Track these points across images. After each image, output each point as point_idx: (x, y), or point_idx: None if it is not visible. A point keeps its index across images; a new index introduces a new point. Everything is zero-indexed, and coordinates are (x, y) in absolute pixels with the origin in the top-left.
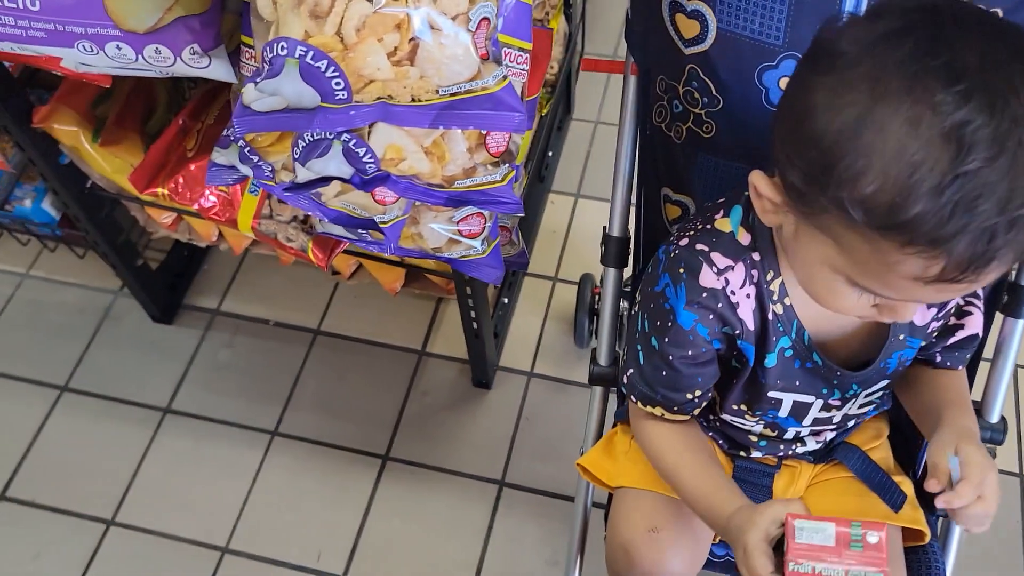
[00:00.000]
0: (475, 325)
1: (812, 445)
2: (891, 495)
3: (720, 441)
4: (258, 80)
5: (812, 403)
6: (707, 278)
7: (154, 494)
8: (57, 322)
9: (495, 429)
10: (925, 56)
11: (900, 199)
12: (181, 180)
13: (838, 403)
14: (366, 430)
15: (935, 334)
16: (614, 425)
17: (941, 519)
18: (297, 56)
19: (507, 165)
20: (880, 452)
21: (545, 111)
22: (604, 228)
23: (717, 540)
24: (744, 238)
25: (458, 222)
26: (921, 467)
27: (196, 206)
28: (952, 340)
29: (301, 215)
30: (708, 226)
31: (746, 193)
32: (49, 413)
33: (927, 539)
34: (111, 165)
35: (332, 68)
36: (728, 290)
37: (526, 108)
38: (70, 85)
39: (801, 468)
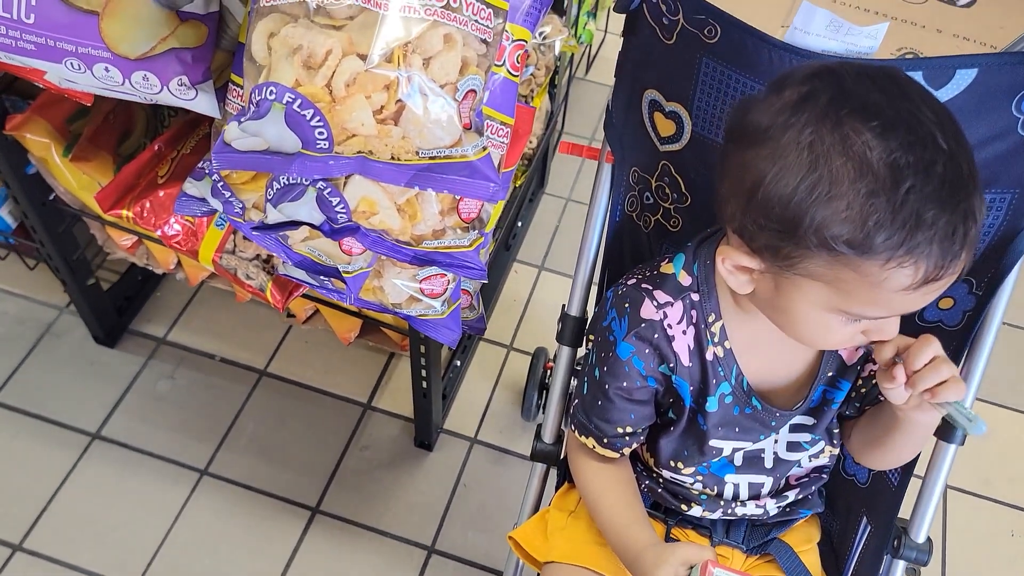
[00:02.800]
0: (425, 385)
1: (752, 509)
2: None
3: (660, 490)
4: (242, 119)
5: (744, 447)
6: (647, 310)
7: (69, 522)
8: None
9: (431, 492)
10: (840, 107)
11: (868, 229)
12: (148, 204)
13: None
14: (299, 480)
15: (873, 380)
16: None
17: None
18: (285, 102)
19: (476, 232)
20: (810, 556)
21: (519, 182)
22: (563, 306)
23: None
24: (685, 279)
25: (421, 280)
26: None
27: (159, 232)
28: None
29: (264, 254)
30: (654, 272)
31: (688, 243)
32: None
33: None
34: (78, 181)
35: (317, 118)
36: (666, 323)
37: (501, 179)
38: (48, 97)
39: (733, 558)
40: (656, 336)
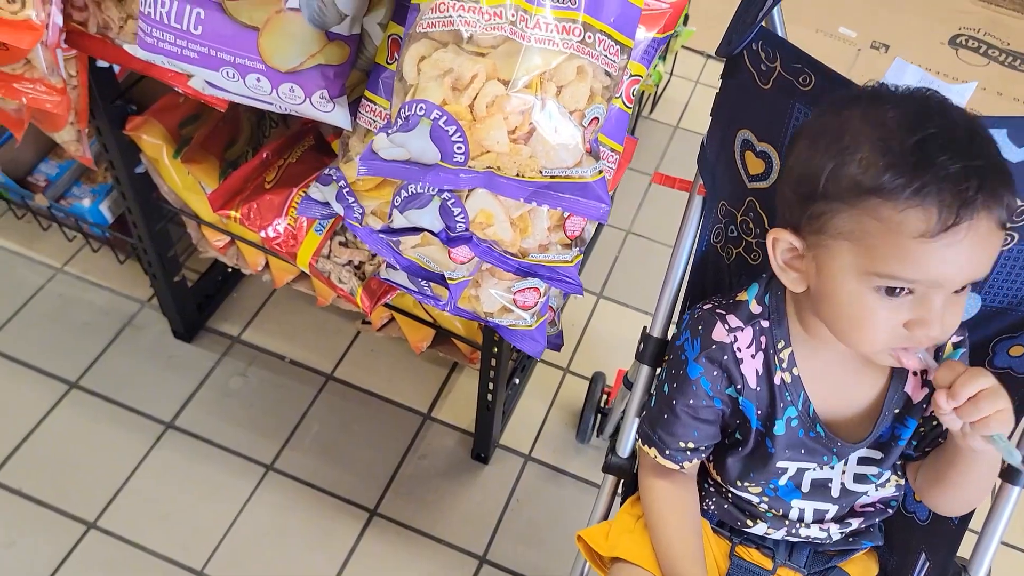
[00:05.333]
0: (490, 398)
1: (815, 532)
2: None
3: (727, 507)
4: (390, 131)
5: (810, 467)
6: (719, 332)
7: (140, 505)
8: (81, 320)
9: (485, 504)
10: (873, 99)
11: (879, 169)
12: (255, 207)
13: (832, 463)
14: (359, 482)
15: (935, 421)
16: None
17: None
18: (432, 118)
19: (577, 249)
20: None
21: None
22: (645, 327)
23: None
24: (756, 308)
25: (515, 292)
26: None
27: (263, 234)
28: None
29: (356, 260)
30: (729, 300)
31: (763, 275)
32: (54, 406)
33: None
34: (183, 182)
35: (459, 134)
36: (735, 346)
37: None
38: (166, 102)
39: None
40: (725, 358)
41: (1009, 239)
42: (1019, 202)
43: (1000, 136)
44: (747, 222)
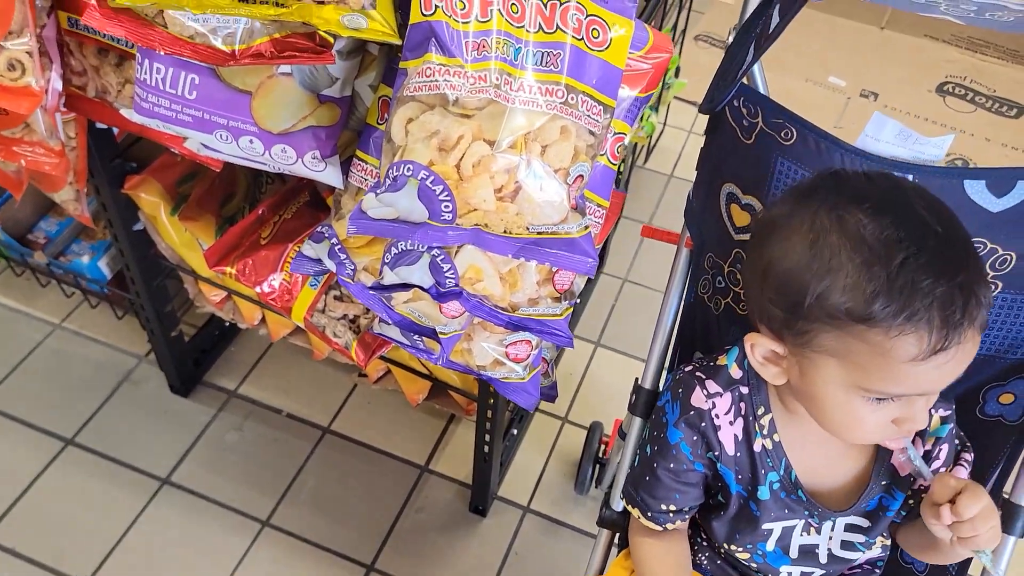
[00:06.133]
0: (487, 449)
1: None
2: None
3: (719, 562)
4: (379, 191)
5: (795, 526)
6: (697, 398)
7: (135, 563)
8: (77, 376)
9: (483, 559)
10: (838, 195)
11: (866, 298)
12: (250, 262)
13: (817, 525)
14: (356, 537)
15: (923, 495)
16: None
17: None
18: (419, 178)
19: (567, 302)
20: None
21: None
22: (636, 379)
23: None
24: (736, 373)
25: (507, 345)
26: None
27: (258, 289)
28: None
29: (351, 314)
30: (710, 363)
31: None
32: (49, 463)
33: None
34: (180, 238)
35: (446, 193)
36: (713, 412)
37: None
38: (163, 161)
39: None
40: (703, 424)
41: (995, 287)
42: (1000, 250)
43: (979, 187)
44: (734, 272)
